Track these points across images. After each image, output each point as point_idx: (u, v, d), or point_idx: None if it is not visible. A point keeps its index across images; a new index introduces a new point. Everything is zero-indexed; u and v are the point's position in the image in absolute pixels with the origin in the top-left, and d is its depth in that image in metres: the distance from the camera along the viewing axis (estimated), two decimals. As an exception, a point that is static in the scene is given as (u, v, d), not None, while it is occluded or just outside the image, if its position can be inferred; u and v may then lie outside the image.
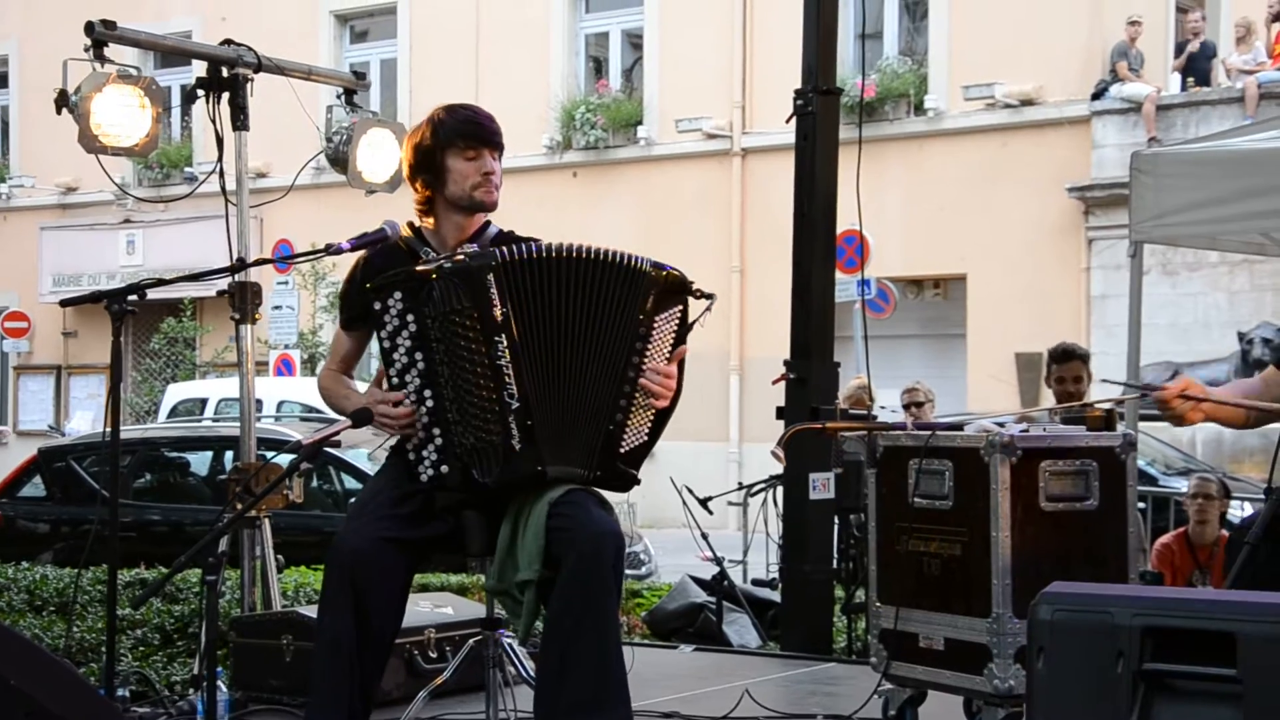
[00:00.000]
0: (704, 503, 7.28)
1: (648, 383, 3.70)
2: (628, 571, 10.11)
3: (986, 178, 17.17)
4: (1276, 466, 3.35)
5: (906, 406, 8.88)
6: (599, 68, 20.98)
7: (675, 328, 3.79)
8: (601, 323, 3.71)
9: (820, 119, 6.44)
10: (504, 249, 3.74)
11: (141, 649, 5.83)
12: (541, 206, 18.38)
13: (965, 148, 17.48)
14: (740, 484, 8.65)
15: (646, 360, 3.72)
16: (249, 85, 5.55)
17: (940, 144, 17.72)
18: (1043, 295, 16.57)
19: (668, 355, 3.78)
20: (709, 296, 3.79)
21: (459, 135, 3.87)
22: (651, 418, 3.79)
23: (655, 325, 3.74)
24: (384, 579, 3.65)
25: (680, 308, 3.80)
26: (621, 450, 3.75)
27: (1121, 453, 4.43)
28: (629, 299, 3.72)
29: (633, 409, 3.73)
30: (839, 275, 12.40)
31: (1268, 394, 3.61)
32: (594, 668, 3.60)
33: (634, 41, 20.61)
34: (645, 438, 3.79)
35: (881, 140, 17.58)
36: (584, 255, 3.74)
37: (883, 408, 9.71)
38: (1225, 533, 6.81)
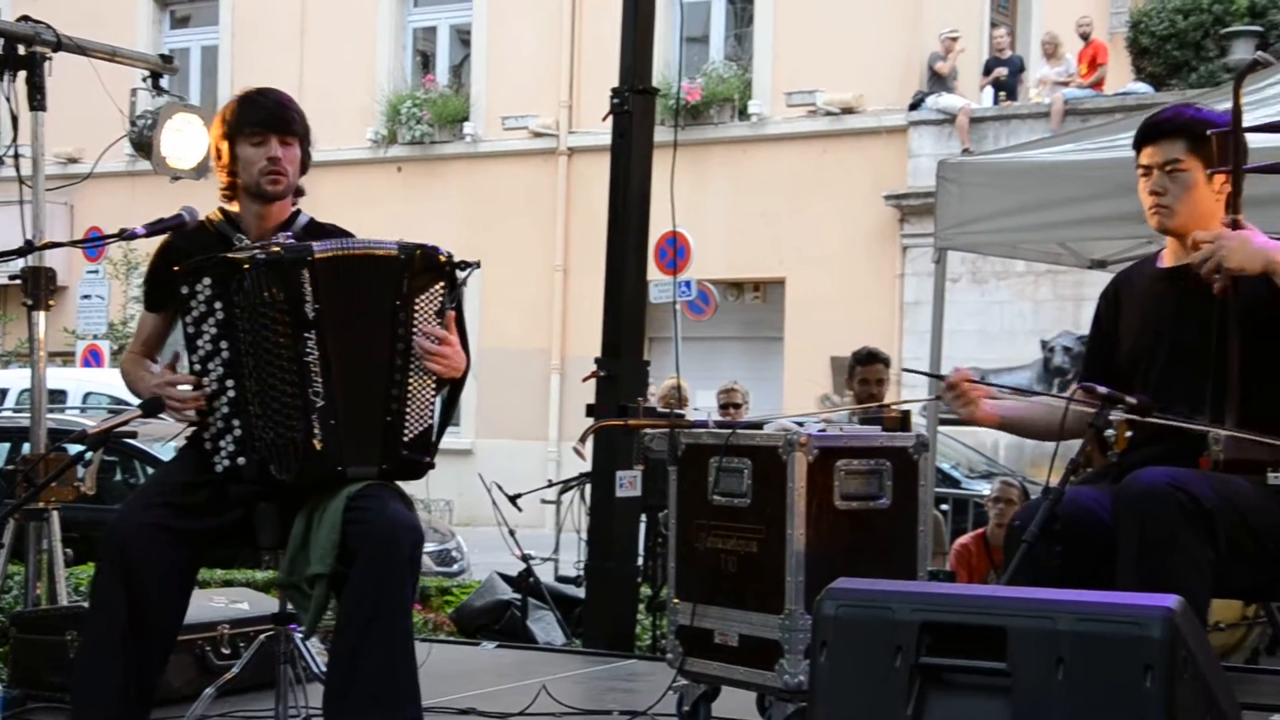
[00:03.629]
0: (513, 500, 7.26)
1: (421, 341, 3.66)
2: (440, 569, 10.06)
3: (807, 183, 17.45)
4: (1053, 467, 3.46)
5: (723, 407, 8.98)
6: (426, 62, 20.82)
7: (438, 304, 3.75)
8: (373, 314, 3.68)
9: (636, 118, 6.48)
10: (319, 243, 3.68)
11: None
12: (364, 201, 18.18)
13: (787, 153, 17.74)
14: (550, 481, 8.65)
15: (413, 343, 3.69)
16: (47, 64, 5.38)
17: (763, 149, 17.96)
18: (858, 300, 16.90)
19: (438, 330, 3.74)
20: (469, 265, 3.76)
21: (246, 122, 3.79)
22: (433, 401, 3.75)
23: (415, 307, 3.71)
24: (158, 569, 3.56)
25: (442, 284, 3.75)
26: (405, 439, 3.71)
27: (915, 453, 4.52)
28: (387, 287, 3.68)
29: (408, 397, 3.69)
30: (661, 277, 12.61)
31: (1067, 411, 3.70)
32: (385, 664, 3.56)
33: (462, 37, 20.49)
34: (430, 421, 3.75)
35: (706, 144, 17.77)
36: (357, 250, 3.70)
37: (695, 410, 9.80)
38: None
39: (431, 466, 3.80)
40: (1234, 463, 3.32)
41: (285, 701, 3.87)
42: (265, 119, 3.79)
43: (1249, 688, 5.17)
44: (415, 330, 3.68)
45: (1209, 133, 3.48)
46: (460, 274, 3.76)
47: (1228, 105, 5.54)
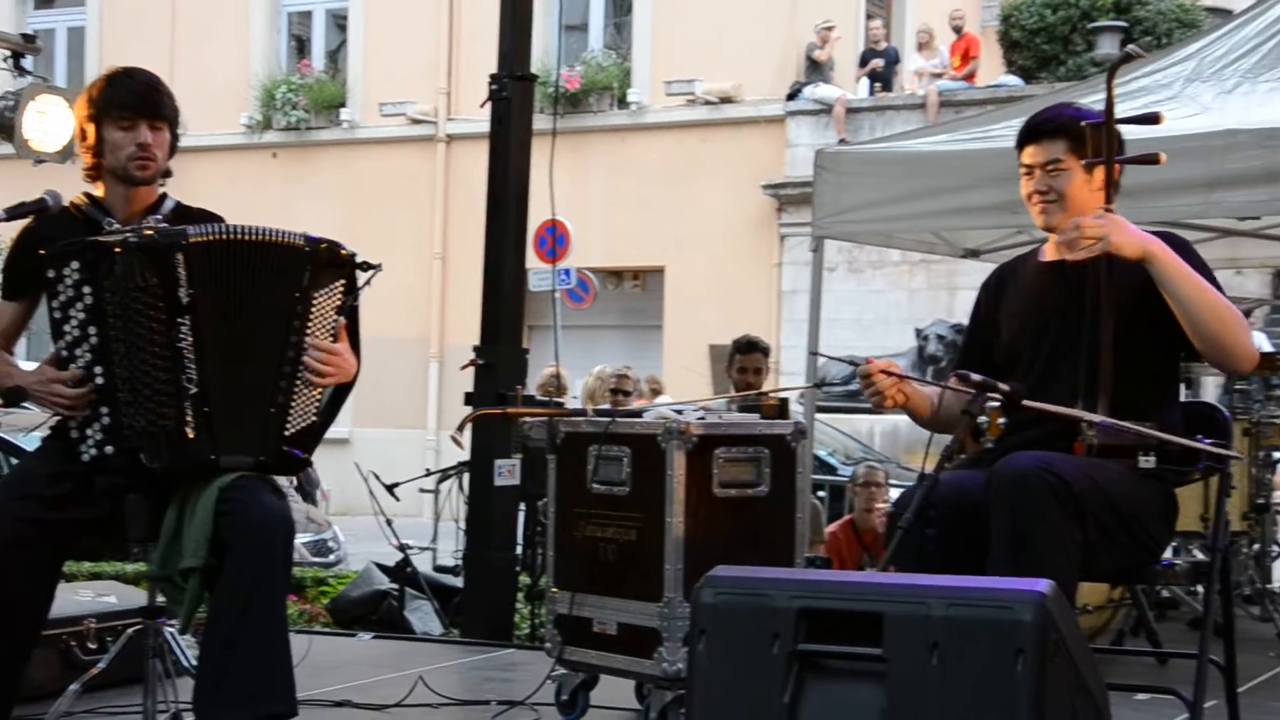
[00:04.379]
0: (391, 489, 7.19)
1: (310, 360, 3.61)
2: (316, 559, 9.94)
3: (686, 172, 17.50)
4: (928, 454, 3.49)
5: (614, 393, 8.95)
6: (301, 47, 20.53)
7: (338, 302, 3.70)
8: (265, 303, 3.61)
9: (515, 105, 6.44)
10: (195, 227, 3.59)
11: None
12: (239, 187, 17.89)
13: (666, 142, 17.78)
14: (428, 470, 8.58)
15: (306, 339, 3.63)
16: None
17: (642, 137, 17.98)
18: (737, 289, 17.00)
19: (332, 331, 3.69)
20: (372, 267, 3.71)
21: (115, 104, 3.69)
22: (319, 397, 3.69)
23: (314, 302, 3.65)
24: (21, 563, 3.46)
25: (342, 282, 3.70)
26: (286, 433, 3.65)
27: (792, 440, 4.56)
28: (287, 277, 3.62)
29: (295, 391, 3.63)
30: (540, 265, 12.56)
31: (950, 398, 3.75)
32: (258, 657, 3.50)
33: (339, 22, 20.24)
34: (314, 418, 3.69)
35: (585, 132, 17.74)
36: (253, 236, 3.62)
37: (574, 397, 9.78)
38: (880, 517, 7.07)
39: (309, 464, 3.74)
40: (1106, 448, 3.38)
41: (154, 696, 3.78)
42: (134, 102, 3.69)
43: (1115, 668, 5.29)
44: (310, 328, 3.61)
45: (1083, 124, 3.54)
46: (362, 275, 3.71)
47: (1098, 97, 5.66)
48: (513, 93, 6.41)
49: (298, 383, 3.63)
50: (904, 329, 15.99)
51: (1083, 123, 3.56)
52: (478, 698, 4.85)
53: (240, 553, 3.50)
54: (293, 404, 3.63)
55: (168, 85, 3.81)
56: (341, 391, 3.77)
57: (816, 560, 6.32)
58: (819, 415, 11.79)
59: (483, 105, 6.44)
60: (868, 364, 3.62)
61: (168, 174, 3.81)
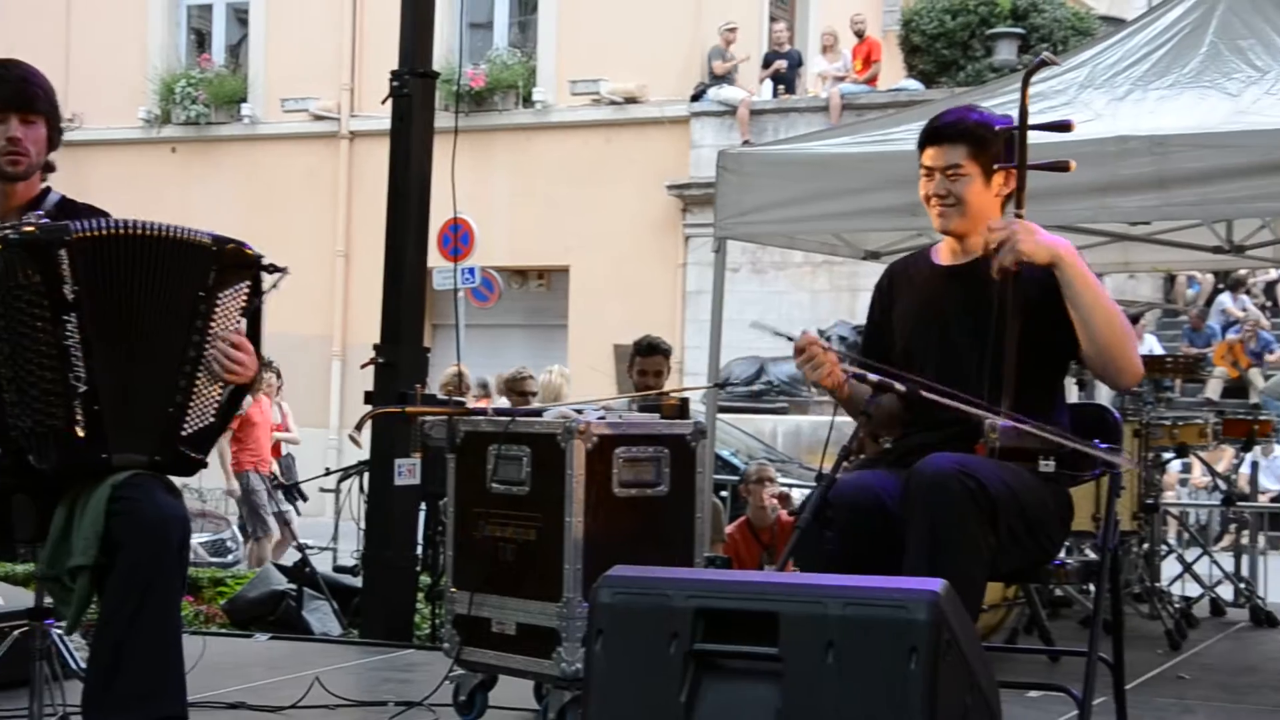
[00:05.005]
0: (290, 488, 7.11)
1: (218, 355, 3.56)
2: (214, 559, 9.83)
3: (591, 172, 17.50)
4: (825, 454, 3.51)
5: (520, 393, 8.92)
6: (201, 41, 20.26)
7: (243, 303, 3.65)
8: (164, 302, 3.55)
9: (416, 102, 6.40)
10: (78, 223, 3.51)
11: None
12: (136, 182, 17.63)
13: (571, 141, 17.76)
14: (328, 469, 8.50)
15: (209, 339, 3.58)
16: None
17: (547, 137, 17.95)
18: (642, 289, 17.03)
19: (237, 330, 3.64)
20: (278, 270, 3.66)
21: None
22: (219, 398, 3.64)
23: (218, 302, 3.59)
24: None
25: (248, 283, 3.65)
26: (184, 434, 3.59)
27: (692, 440, 4.57)
28: (189, 276, 3.56)
29: (195, 391, 3.58)
30: (445, 263, 12.49)
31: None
32: (150, 659, 3.44)
33: (239, 16, 20.00)
34: (212, 419, 3.64)
35: (490, 130, 17.69)
36: (151, 232, 3.55)
37: (475, 397, 9.74)
38: (786, 514, 7.08)
39: (204, 465, 3.68)
40: (1008, 450, 3.41)
41: (40, 700, 3.71)
42: (6, 96, 3.60)
43: (1008, 666, 5.37)
44: (212, 333, 3.56)
45: (997, 128, 3.56)
46: (268, 277, 3.65)
47: (996, 102, 5.74)
48: (414, 90, 6.37)
49: (198, 383, 3.57)
50: (807, 329, 16.08)
51: (996, 127, 3.58)
52: (375, 698, 4.82)
53: (133, 552, 3.43)
54: (191, 404, 3.58)
55: (54, 79, 3.72)
56: (239, 393, 3.72)
57: (716, 560, 6.33)
58: (722, 415, 11.84)
59: (384, 102, 6.40)
60: (805, 336, 3.60)
61: (49, 168, 3.73)
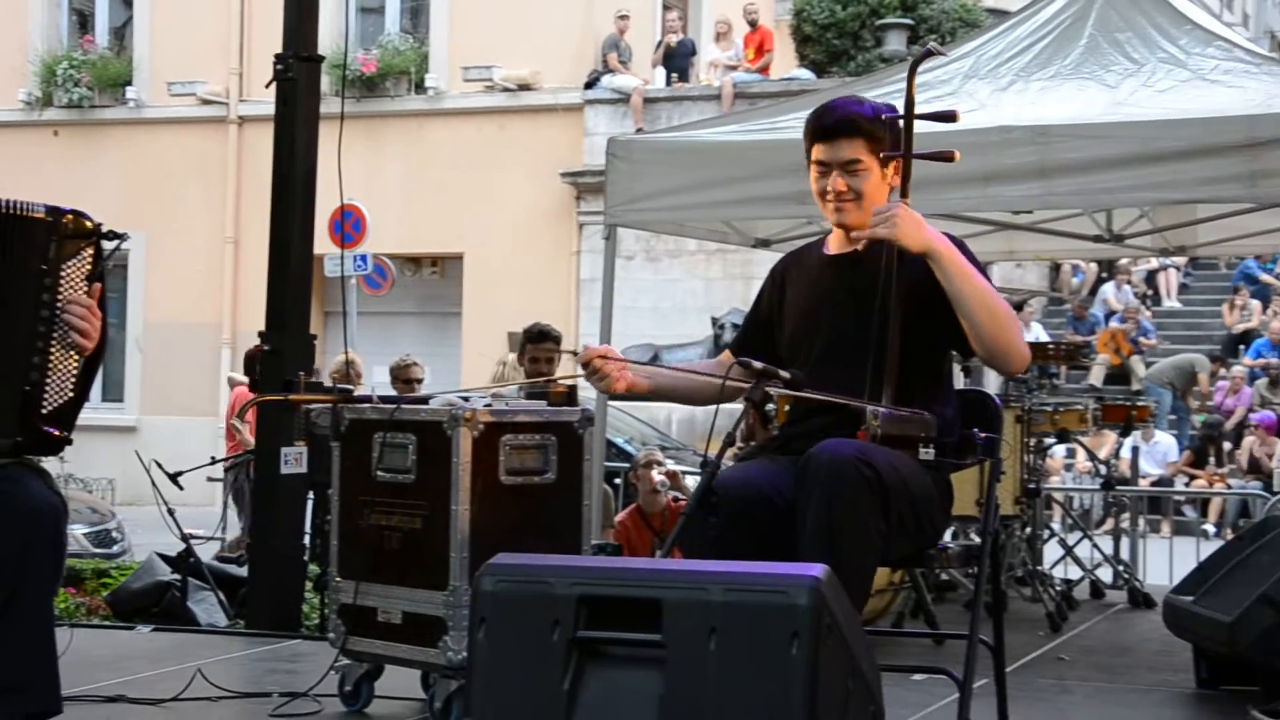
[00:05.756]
0: (174, 478, 6.98)
1: (71, 318, 3.48)
2: (98, 550, 9.64)
3: (485, 159, 17.40)
4: (711, 439, 3.52)
5: (405, 381, 8.84)
6: (84, 22, 19.84)
7: (86, 271, 3.57)
8: (5, 277, 3.46)
9: (301, 86, 6.32)
10: None
11: None
12: (16, 165, 17.22)
13: (464, 128, 17.65)
14: (213, 458, 8.38)
15: (58, 310, 3.50)
16: None
17: (440, 123, 17.82)
18: (536, 276, 16.98)
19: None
20: (118, 237, 3.59)
21: None
22: (74, 371, 3.55)
23: (63, 273, 3.52)
24: None
25: (90, 252, 3.58)
26: (44, 411, 3.51)
27: (580, 427, 4.57)
28: (30, 249, 3.48)
29: (50, 365, 3.50)
30: (337, 250, 12.36)
31: (721, 371, 3.78)
32: (21, 651, 3.37)
33: (124, -3, 19.63)
34: (71, 394, 3.55)
35: (382, 116, 17.54)
36: (19, 212, 3.47)
37: (368, 385, 9.65)
38: (671, 500, 7.07)
39: (69, 442, 3.60)
40: (890, 438, 3.44)
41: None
42: None
43: (894, 650, 5.45)
44: (61, 299, 3.48)
45: (884, 117, 3.56)
46: (108, 244, 3.57)
47: (883, 91, 5.79)
48: (298, 74, 6.29)
49: (53, 356, 3.49)
50: (700, 317, 16.16)
51: (884, 117, 3.59)
52: (260, 689, 4.77)
53: (3, 543, 3.36)
54: (48, 379, 3.50)
55: None
56: (93, 363, 3.63)
57: (607, 547, 6.33)
58: (617, 403, 11.88)
59: (268, 86, 6.32)
60: (586, 351, 3.60)
61: None
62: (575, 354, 3.62)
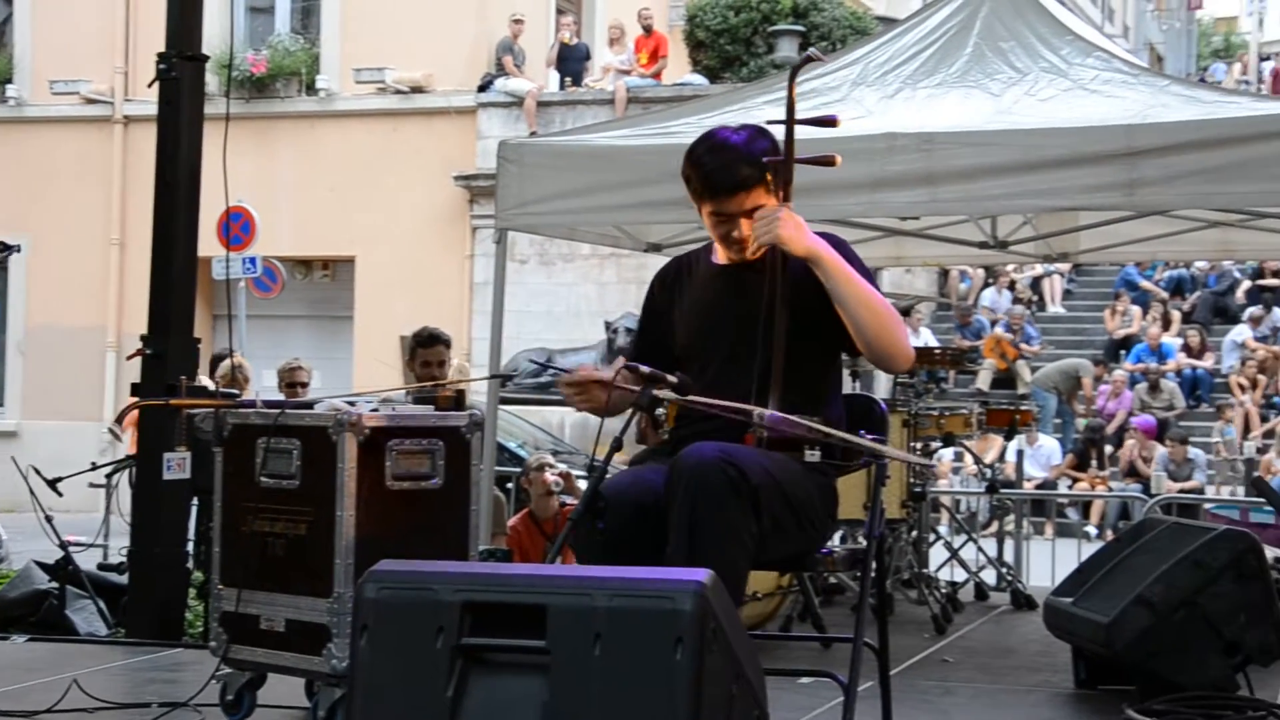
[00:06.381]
0: (53, 484, 6.84)
1: None
2: (-25, 560, 9.39)
3: (377, 162, 17.27)
4: (598, 443, 3.51)
5: (288, 385, 8.73)
6: (-38, 18, 19.41)
7: None
8: None
9: (185, 86, 6.22)
10: None
11: None
12: (-108, 164, 16.81)
13: (357, 130, 17.51)
14: (94, 464, 8.21)
15: None
16: None
17: (332, 125, 17.66)
18: (429, 280, 16.88)
19: None
20: (9, 248, 3.53)
21: None
22: None
23: None
24: None
25: None
26: None
27: (468, 432, 4.53)
28: None
29: None
30: (226, 253, 12.19)
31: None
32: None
33: (4, -7, 19.22)
34: None
35: (272, 118, 17.35)
36: None
37: (258, 390, 9.52)
38: (558, 504, 7.05)
39: None
40: (776, 441, 3.46)
41: None
42: None
43: (782, 654, 5.46)
44: None
45: (765, 160, 3.56)
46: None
47: (771, 97, 5.83)
48: (182, 73, 6.19)
49: None
50: (594, 321, 16.17)
51: (765, 160, 3.56)
52: (139, 700, 4.67)
53: None
54: None
55: None
56: None
57: (497, 553, 6.29)
58: (509, 408, 11.83)
59: (150, 85, 6.22)
60: (581, 371, 3.59)
61: None
62: (565, 371, 3.62)
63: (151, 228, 6.45)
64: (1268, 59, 36.81)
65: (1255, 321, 17.79)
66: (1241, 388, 16.85)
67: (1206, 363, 17.47)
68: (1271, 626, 4.98)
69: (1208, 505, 10.45)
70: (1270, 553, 5.52)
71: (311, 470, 4.28)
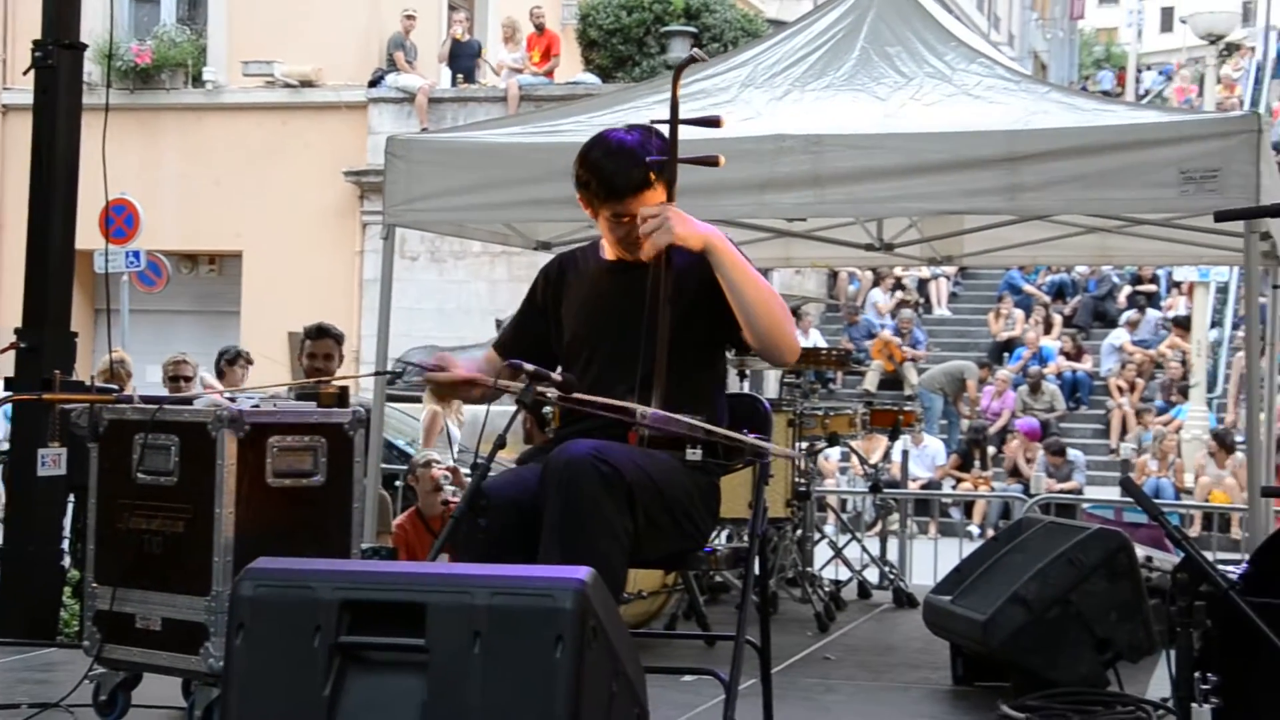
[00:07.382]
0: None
1: None
2: None
3: (266, 156, 17.07)
4: (481, 441, 3.50)
5: (173, 379, 8.60)
6: None
7: None
8: None
9: (62, 74, 6.09)
10: None
11: None
12: None
13: (244, 124, 17.28)
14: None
15: None
16: None
17: (219, 118, 17.42)
18: (318, 275, 16.72)
19: None
20: None
21: None
22: None
23: None
24: None
25: None
26: None
27: (350, 429, 4.49)
28: None
29: None
30: (110, 246, 11.96)
31: (489, 369, 3.78)
32: None
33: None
34: None
35: (157, 109, 17.07)
36: None
37: (139, 386, 9.36)
38: (443, 501, 7.01)
39: None
40: (658, 439, 3.47)
41: None
42: None
43: (666, 651, 5.48)
44: None
45: (649, 160, 3.57)
46: None
47: (660, 97, 5.83)
48: (59, 61, 6.06)
49: None
50: (485, 319, 16.11)
51: (650, 159, 3.57)
52: (7, 700, 4.57)
53: None
54: None
55: None
56: None
57: (381, 551, 6.23)
58: (400, 405, 11.74)
59: (25, 73, 6.08)
60: (454, 372, 3.58)
61: None
62: (427, 368, 3.61)
63: (27, 219, 6.32)
64: (1147, 69, 37.75)
65: (1132, 325, 18.20)
66: (1120, 390, 17.22)
67: (1085, 365, 17.84)
68: (1141, 623, 5.09)
69: (1085, 505, 10.66)
70: (1141, 552, 5.64)
71: (190, 467, 4.22)
